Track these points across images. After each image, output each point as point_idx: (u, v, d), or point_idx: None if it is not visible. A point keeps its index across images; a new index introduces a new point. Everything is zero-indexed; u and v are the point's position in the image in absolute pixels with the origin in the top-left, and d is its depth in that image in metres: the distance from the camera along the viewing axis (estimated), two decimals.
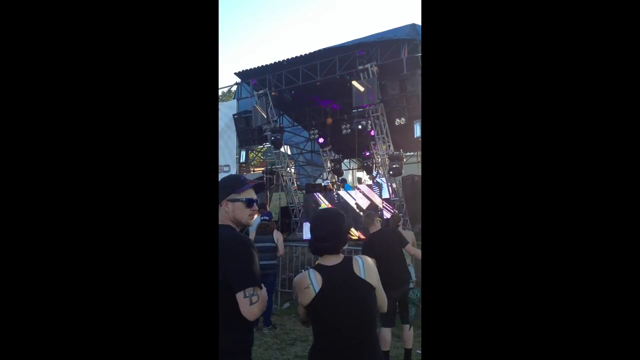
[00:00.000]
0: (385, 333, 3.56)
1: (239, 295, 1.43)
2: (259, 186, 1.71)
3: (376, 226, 3.81)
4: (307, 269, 1.65)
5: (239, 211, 1.58)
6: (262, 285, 1.54)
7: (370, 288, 1.58)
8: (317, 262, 1.66)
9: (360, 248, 4.15)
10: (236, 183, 1.63)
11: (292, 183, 10.18)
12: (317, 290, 1.55)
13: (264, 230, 4.97)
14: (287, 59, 8.76)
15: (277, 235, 4.95)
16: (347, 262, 1.61)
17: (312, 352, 1.64)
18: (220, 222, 1.59)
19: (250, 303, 1.43)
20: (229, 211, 1.58)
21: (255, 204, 1.64)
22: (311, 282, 1.57)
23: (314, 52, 8.44)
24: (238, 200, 1.59)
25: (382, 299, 1.65)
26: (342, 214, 1.77)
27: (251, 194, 1.63)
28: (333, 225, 1.64)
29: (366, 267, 1.60)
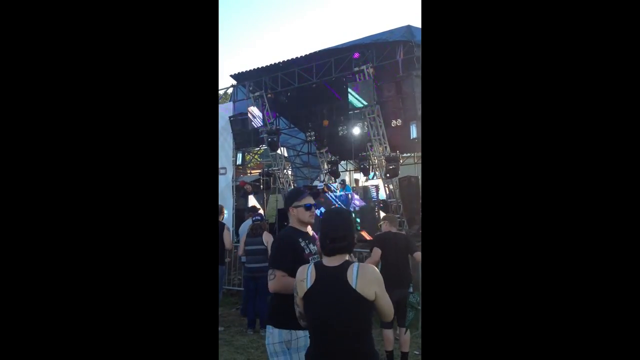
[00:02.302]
0: (388, 334, 3.64)
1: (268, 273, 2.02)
2: (315, 193, 2.45)
3: (394, 227, 3.91)
4: (311, 262, 1.71)
5: (301, 214, 2.18)
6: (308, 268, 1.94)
7: (359, 298, 1.52)
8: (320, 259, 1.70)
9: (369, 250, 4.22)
10: (297, 193, 2.25)
11: (289, 185, 10.16)
12: (308, 285, 1.60)
13: (255, 232, 4.89)
14: (283, 61, 8.76)
15: (267, 237, 4.85)
16: (343, 267, 1.58)
17: (308, 351, 1.67)
18: (290, 225, 2.22)
19: (270, 279, 2.01)
20: (295, 214, 2.19)
21: (313, 207, 2.20)
22: (307, 276, 1.62)
23: (310, 54, 8.44)
24: (299, 206, 2.17)
25: (385, 309, 1.59)
26: (351, 214, 1.82)
27: (309, 200, 2.20)
28: (348, 225, 1.70)
29: (360, 277, 1.53)
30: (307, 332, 1.94)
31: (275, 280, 1.98)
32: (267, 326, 2.06)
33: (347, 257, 1.65)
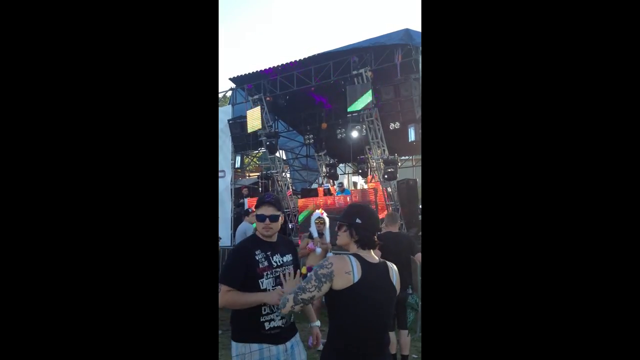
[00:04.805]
0: (390, 336, 3.65)
1: None
2: (276, 202, 2.06)
3: (395, 227, 3.86)
4: (348, 255, 1.65)
5: (257, 224, 2.06)
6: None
7: (395, 295, 1.68)
8: (354, 253, 1.66)
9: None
10: (258, 201, 2.09)
11: (288, 188, 10.16)
12: (356, 279, 1.55)
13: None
14: (282, 65, 8.78)
15: None
16: (384, 265, 1.69)
17: (337, 346, 1.57)
18: (256, 232, 2.09)
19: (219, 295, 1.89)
20: (253, 223, 2.10)
21: (267, 219, 1.99)
22: (352, 269, 1.57)
23: (309, 57, 8.47)
24: (255, 215, 2.05)
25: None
26: None
27: (265, 210, 2.01)
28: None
29: (396, 275, 1.70)
30: (262, 345, 1.88)
31: (220, 295, 1.85)
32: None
33: (372, 253, 1.71)
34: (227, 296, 1.87)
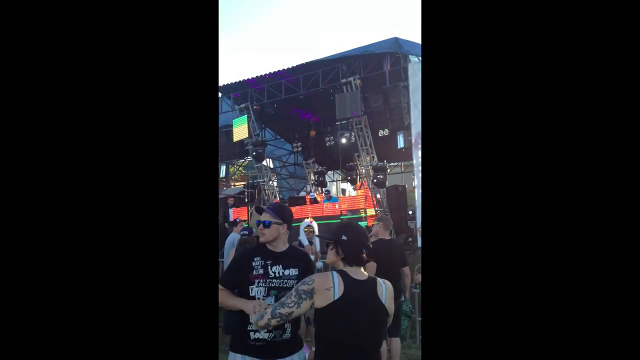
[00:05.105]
0: (382, 345, 3.61)
1: None
2: (270, 209, 2.04)
3: (387, 233, 3.83)
4: (332, 271, 1.62)
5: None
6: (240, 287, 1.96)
7: (386, 314, 1.60)
8: (340, 269, 1.62)
9: None
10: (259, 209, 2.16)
11: (275, 196, 10.10)
12: (336, 296, 1.51)
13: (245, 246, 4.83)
14: (270, 73, 8.78)
15: None
16: (372, 282, 1.61)
17: None
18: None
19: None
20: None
21: (262, 224, 1.99)
22: (333, 285, 1.53)
23: (297, 65, 8.49)
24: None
25: (390, 322, 1.68)
26: None
27: (263, 216, 2.00)
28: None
29: (388, 293, 1.62)
30: (245, 357, 1.83)
31: (219, 297, 1.89)
32: None
33: (362, 269, 1.65)
34: (219, 295, 1.89)
